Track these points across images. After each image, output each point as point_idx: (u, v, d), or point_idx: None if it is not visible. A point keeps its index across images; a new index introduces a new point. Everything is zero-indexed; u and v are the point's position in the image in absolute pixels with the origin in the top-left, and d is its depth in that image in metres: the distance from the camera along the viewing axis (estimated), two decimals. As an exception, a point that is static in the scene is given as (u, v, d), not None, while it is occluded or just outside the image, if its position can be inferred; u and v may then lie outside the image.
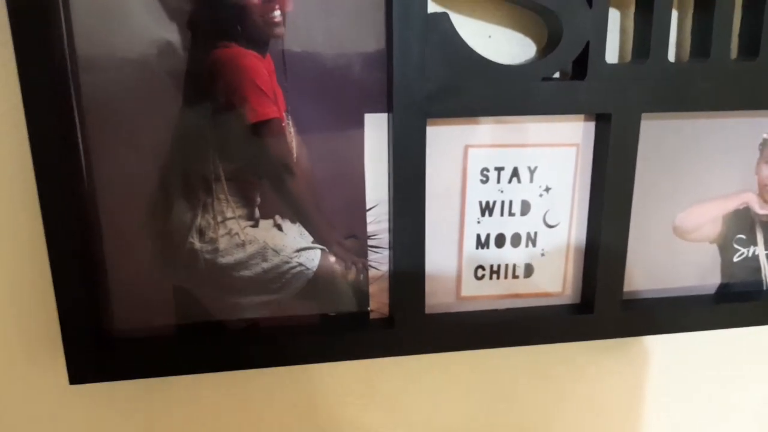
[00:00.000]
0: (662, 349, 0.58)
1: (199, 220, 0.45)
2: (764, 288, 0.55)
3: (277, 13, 0.41)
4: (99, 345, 0.45)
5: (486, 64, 0.43)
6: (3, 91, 0.42)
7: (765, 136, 0.51)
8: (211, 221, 0.45)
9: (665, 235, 0.52)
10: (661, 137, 0.49)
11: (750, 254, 0.54)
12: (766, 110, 0.50)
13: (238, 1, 0.41)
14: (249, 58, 0.42)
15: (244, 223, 0.45)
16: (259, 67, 0.42)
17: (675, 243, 0.52)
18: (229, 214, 0.45)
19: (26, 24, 0.38)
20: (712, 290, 0.55)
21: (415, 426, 0.56)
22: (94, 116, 0.42)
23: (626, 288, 0.51)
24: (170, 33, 0.41)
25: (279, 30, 0.42)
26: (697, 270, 0.54)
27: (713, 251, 0.53)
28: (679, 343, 0.58)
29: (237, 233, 0.45)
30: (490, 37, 0.47)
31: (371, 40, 0.43)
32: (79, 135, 0.42)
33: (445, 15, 0.42)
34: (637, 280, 0.53)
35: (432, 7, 0.44)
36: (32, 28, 0.38)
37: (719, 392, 0.61)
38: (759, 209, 0.53)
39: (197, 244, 0.45)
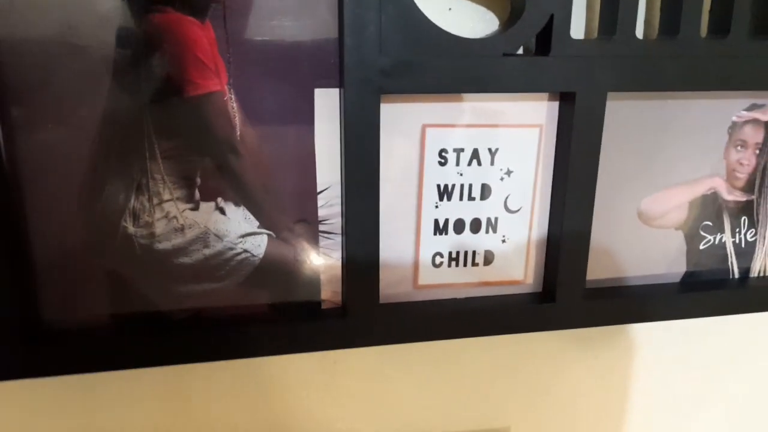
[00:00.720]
0: (627, 338, 0.57)
1: (132, 202, 0.41)
2: (731, 276, 0.54)
3: (218, -25, 0.38)
4: (23, 337, 0.41)
5: (445, 38, 0.41)
6: None
7: (734, 119, 0.49)
8: (146, 203, 0.41)
9: (630, 221, 0.50)
10: (627, 119, 0.47)
11: (717, 242, 0.52)
12: (735, 92, 0.48)
13: (173, -39, 0.37)
14: (187, 25, 0.38)
15: (182, 205, 0.42)
16: (198, 35, 0.39)
17: (640, 229, 0.51)
18: (166, 196, 0.41)
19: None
20: (677, 278, 0.53)
21: (373, 419, 0.54)
22: (13, 89, 0.38)
23: (589, 276, 0.49)
24: (96, -5, 0.37)
25: (220, -6, 0.38)
26: (662, 257, 0.52)
27: (679, 238, 0.52)
28: (644, 332, 0.57)
29: (175, 217, 0.42)
30: (450, 9, 0.44)
31: (322, 9, 0.40)
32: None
33: (400, -18, 0.39)
34: (600, 268, 0.51)
35: (387, -25, 0.41)
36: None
37: (685, 382, 0.60)
38: (726, 195, 0.51)
39: (131, 228, 0.42)
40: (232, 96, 0.40)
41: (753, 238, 0.53)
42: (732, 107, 0.49)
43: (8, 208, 0.39)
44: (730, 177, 0.51)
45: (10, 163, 0.39)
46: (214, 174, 0.42)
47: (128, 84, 0.39)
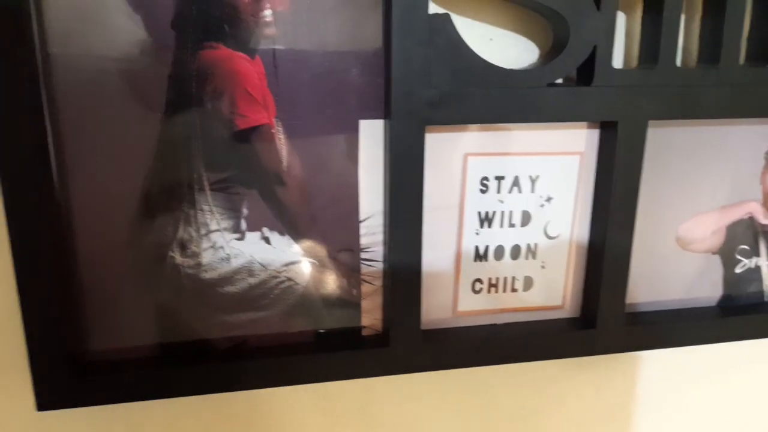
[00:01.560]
0: (666, 361, 0.57)
1: (181, 232, 0.41)
2: (766, 299, 0.54)
3: (269, 12, 0.39)
4: (70, 369, 0.41)
5: (489, 69, 0.41)
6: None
7: (771, 144, 0.49)
8: (194, 234, 0.42)
9: (668, 246, 0.50)
10: (666, 145, 0.47)
11: (753, 265, 0.53)
12: (773, 118, 0.48)
13: (225, -1, 0.38)
14: (238, 60, 0.39)
15: (229, 235, 0.42)
16: (248, 70, 0.39)
17: (678, 254, 0.51)
18: (213, 227, 0.42)
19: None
20: (714, 301, 0.53)
21: (408, 445, 0.54)
22: (69, 123, 0.38)
23: (628, 300, 0.49)
24: (153, 33, 0.37)
25: (270, 30, 0.39)
26: (699, 281, 0.52)
27: (716, 262, 0.52)
28: (682, 355, 0.57)
29: (222, 246, 0.42)
30: (491, 40, 0.44)
31: (368, 42, 0.41)
32: (51, 143, 0.38)
33: (447, 16, 0.39)
34: (638, 292, 0.51)
35: (432, 8, 0.42)
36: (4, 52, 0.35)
37: (723, 405, 0.60)
38: (763, 219, 0.51)
39: (178, 259, 0.42)
40: (280, 128, 0.41)
41: (789, 262, 0.53)
42: (769, 133, 0.49)
43: (62, 240, 0.40)
44: (766, 202, 0.51)
45: (63, 196, 0.39)
46: (260, 204, 0.42)
47: (180, 118, 0.39)
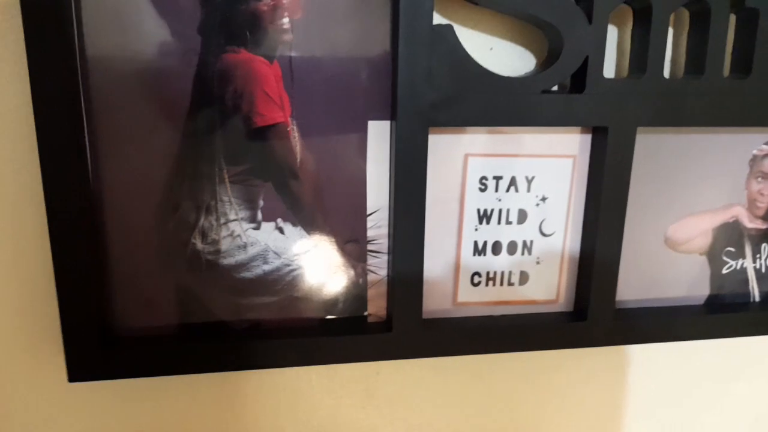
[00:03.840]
0: (652, 357, 0.60)
1: (202, 221, 0.45)
2: (752, 300, 0.57)
3: (286, 20, 0.42)
4: (100, 343, 0.45)
5: (488, 76, 0.45)
6: (12, 89, 0.42)
7: (755, 152, 0.52)
8: (214, 223, 0.45)
9: (657, 246, 0.53)
10: (655, 151, 0.51)
11: (738, 267, 0.55)
12: (756, 127, 0.51)
13: (248, 7, 0.42)
14: (257, 63, 0.43)
15: (246, 225, 0.46)
16: (267, 72, 0.43)
17: (666, 254, 0.54)
18: (232, 216, 0.46)
19: (38, 23, 0.38)
20: (701, 301, 0.56)
21: (412, 427, 0.57)
22: (103, 117, 0.42)
23: (618, 297, 0.52)
24: (181, 37, 0.41)
25: (287, 37, 0.43)
26: (687, 281, 0.55)
27: (703, 263, 0.55)
28: (668, 351, 0.60)
29: (239, 235, 0.46)
30: (491, 49, 0.48)
31: (376, 49, 0.44)
32: (86, 135, 0.42)
33: (449, 27, 0.43)
34: (628, 290, 0.54)
35: (437, 19, 0.45)
36: (44, 28, 0.38)
37: (708, 401, 0.63)
38: (748, 223, 0.54)
39: (199, 245, 0.46)
40: (295, 127, 0.45)
41: (774, 264, 0.56)
42: (753, 141, 0.52)
43: (93, 225, 0.43)
44: (751, 206, 0.54)
45: (97, 185, 0.43)
46: (276, 196, 0.46)
47: (203, 114, 0.43)
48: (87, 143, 0.42)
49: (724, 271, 0.55)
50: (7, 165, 0.44)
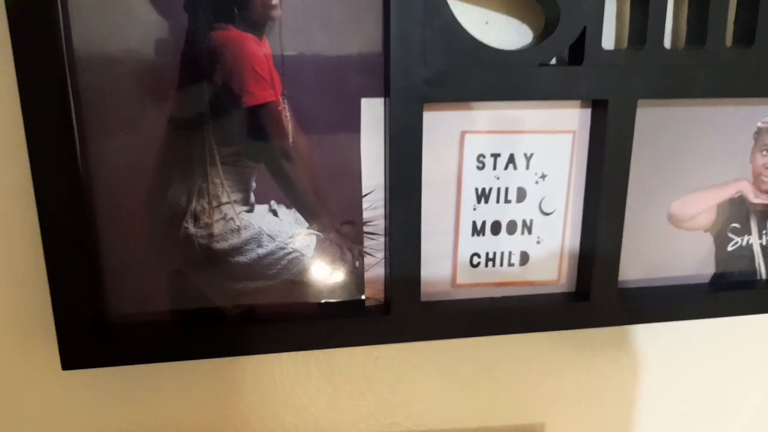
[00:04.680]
0: (658, 337, 0.59)
1: (194, 204, 0.44)
2: (758, 277, 0.55)
3: (275, -5, 0.41)
4: (93, 330, 0.44)
5: (484, 50, 0.43)
6: (-3, 72, 0.42)
7: (760, 124, 0.51)
8: (206, 206, 0.45)
9: (660, 224, 0.52)
10: (657, 125, 0.49)
11: (744, 243, 0.54)
12: (761, 98, 0.50)
13: (235, -18, 0.40)
14: (246, 41, 0.42)
15: (239, 208, 0.45)
16: (256, 50, 0.42)
17: (670, 231, 0.53)
18: (224, 199, 0.45)
19: (23, 4, 0.37)
20: (706, 279, 0.55)
21: (412, 412, 0.56)
22: (90, 100, 0.41)
23: (621, 276, 0.51)
24: (167, 15, 0.40)
25: (276, 12, 0.42)
26: (691, 259, 0.54)
27: (708, 240, 0.54)
28: (674, 331, 0.59)
29: (232, 218, 0.45)
30: (487, 23, 0.47)
31: (369, 25, 0.43)
32: (74, 119, 0.41)
33: (443, 0, 0.42)
34: (632, 269, 0.53)
35: (429, -8, 0.44)
36: (29, 9, 0.37)
37: (714, 381, 0.62)
38: (753, 198, 0.53)
39: (192, 229, 0.45)
40: (286, 106, 0.44)
41: (780, 240, 0.55)
42: (757, 113, 0.51)
43: (82, 211, 0.43)
44: (756, 181, 0.52)
45: (86, 170, 0.42)
46: (268, 178, 0.45)
47: (192, 95, 0.42)
48: (75, 127, 0.41)
49: (730, 248, 0.54)
50: (-7, 150, 0.43)
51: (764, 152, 0.52)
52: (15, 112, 0.42)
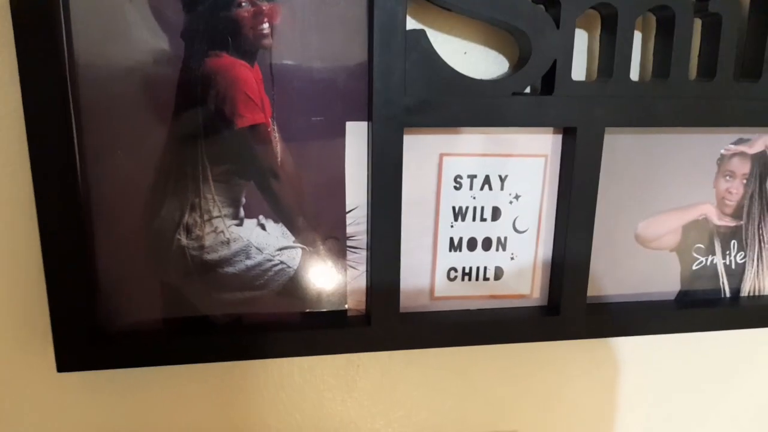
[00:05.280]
0: (625, 350, 0.61)
1: (186, 218, 0.47)
2: (722, 295, 0.58)
3: (266, 25, 0.44)
4: (88, 335, 0.47)
5: (461, 79, 0.46)
6: (4, 95, 0.44)
7: (723, 151, 0.54)
8: (198, 219, 0.47)
9: (628, 243, 0.55)
10: (625, 151, 0.52)
11: (708, 263, 0.57)
12: (723, 127, 0.53)
13: (229, 14, 0.43)
14: (239, 67, 0.45)
15: (229, 221, 0.48)
16: (248, 76, 0.45)
17: (637, 250, 0.56)
18: (215, 213, 0.47)
19: (28, 32, 0.40)
20: (672, 296, 0.58)
21: (392, 419, 0.59)
22: (91, 120, 0.44)
23: (591, 292, 0.54)
24: (165, 43, 0.43)
25: (267, 41, 0.45)
26: (658, 277, 0.57)
27: (673, 259, 0.57)
28: (641, 345, 0.62)
29: (222, 231, 0.48)
30: (465, 53, 0.50)
31: (354, 54, 0.46)
32: (75, 136, 0.44)
33: (422, 32, 0.45)
34: (601, 285, 0.56)
35: (411, 24, 0.47)
36: (34, 37, 0.40)
37: (681, 392, 0.65)
38: (717, 220, 0.56)
39: (184, 241, 0.48)
40: (275, 127, 0.46)
41: (742, 261, 0.58)
42: (720, 141, 0.54)
43: (81, 224, 0.45)
44: (720, 204, 0.56)
45: (84, 185, 0.45)
46: (257, 195, 0.48)
47: (187, 116, 0.45)
48: (75, 146, 0.44)
49: (695, 267, 0.57)
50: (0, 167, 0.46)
51: (727, 177, 0.55)
52: (20, 130, 0.45)
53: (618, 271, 0.56)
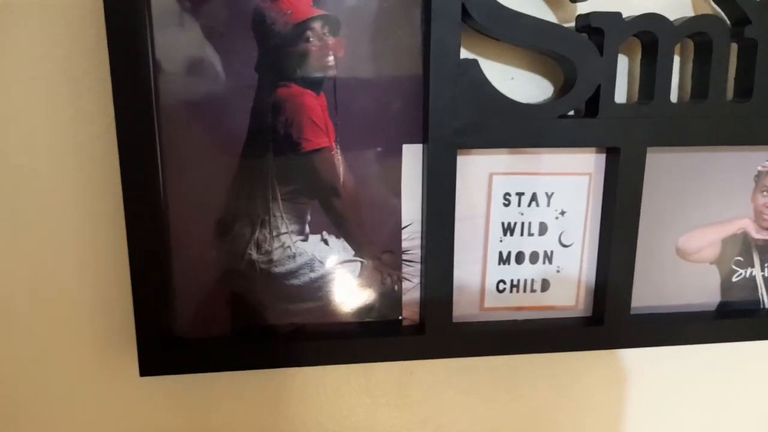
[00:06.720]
0: (669, 360, 0.64)
1: (257, 234, 0.51)
2: (761, 306, 0.61)
3: (331, 58, 0.48)
4: (166, 343, 0.51)
5: (509, 103, 0.50)
6: (99, 115, 0.49)
7: (760, 168, 0.57)
8: (268, 235, 0.51)
9: (669, 256, 0.58)
10: (665, 169, 0.55)
11: (747, 275, 0.59)
12: (759, 146, 0.55)
13: (298, 48, 0.48)
14: (306, 96, 0.49)
15: (295, 237, 0.52)
16: (313, 103, 0.49)
17: (678, 263, 0.58)
18: (283, 230, 0.51)
19: (122, 74, 0.45)
20: (712, 307, 0.60)
21: (441, 424, 0.62)
22: (173, 145, 0.49)
23: (633, 303, 0.57)
24: (240, 75, 0.48)
25: (331, 72, 0.49)
26: (698, 289, 0.59)
27: (713, 271, 0.59)
28: (681, 355, 0.64)
29: (289, 246, 0.52)
30: (512, 78, 0.53)
31: (409, 81, 0.50)
32: (159, 159, 0.48)
33: (474, 62, 0.48)
34: (643, 297, 0.58)
35: (463, 53, 0.51)
36: (126, 77, 0.45)
37: (718, 402, 0.66)
38: (755, 234, 0.58)
39: (254, 255, 0.52)
40: (338, 150, 0.50)
41: (781, 273, 0.60)
42: (757, 158, 0.56)
43: (162, 240, 0.50)
44: (757, 218, 0.58)
45: (165, 202, 0.50)
46: (321, 212, 0.52)
47: (259, 140, 0.49)
48: (160, 168, 0.49)
49: (734, 279, 0.60)
50: (91, 188, 0.50)
51: (764, 193, 0.57)
52: (113, 154, 0.50)
53: (659, 283, 0.58)
